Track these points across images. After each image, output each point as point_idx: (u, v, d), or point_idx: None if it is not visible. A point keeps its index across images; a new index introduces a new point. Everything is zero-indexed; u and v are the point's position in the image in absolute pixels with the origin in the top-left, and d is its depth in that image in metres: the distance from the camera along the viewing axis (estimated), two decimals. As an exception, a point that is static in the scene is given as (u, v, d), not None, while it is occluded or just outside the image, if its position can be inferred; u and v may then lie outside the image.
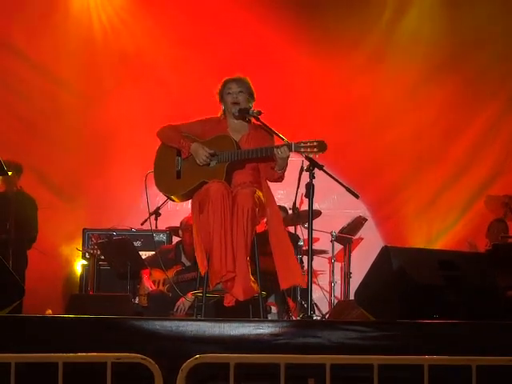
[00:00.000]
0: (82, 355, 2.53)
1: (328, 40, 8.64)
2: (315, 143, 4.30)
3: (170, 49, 8.78)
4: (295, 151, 4.39)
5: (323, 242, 7.89)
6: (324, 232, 7.57)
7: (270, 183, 4.78)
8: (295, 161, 5.55)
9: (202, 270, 4.59)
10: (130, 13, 8.94)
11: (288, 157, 4.48)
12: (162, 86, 8.71)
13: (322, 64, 8.66)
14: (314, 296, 5.05)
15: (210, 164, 4.64)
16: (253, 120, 4.73)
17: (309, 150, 4.31)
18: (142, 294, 6.73)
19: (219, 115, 4.82)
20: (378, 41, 8.94)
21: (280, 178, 4.70)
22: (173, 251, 6.93)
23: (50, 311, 7.13)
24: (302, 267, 7.18)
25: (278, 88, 8.33)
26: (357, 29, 8.76)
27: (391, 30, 8.98)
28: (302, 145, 4.33)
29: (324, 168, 4.38)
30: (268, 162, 4.63)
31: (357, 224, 8.09)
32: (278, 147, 4.43)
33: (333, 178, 4.51)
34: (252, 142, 4.69)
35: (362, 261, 6.49)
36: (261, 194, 4.66)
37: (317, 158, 4.36)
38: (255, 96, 4.77)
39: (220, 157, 4.61)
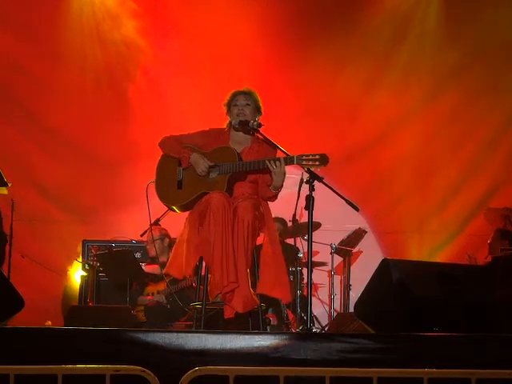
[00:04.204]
0: (81, 367, 2.53)
1: (331, 56, 8.64)
2: (317, 156, 4.32)
3: (173, 66, 8.80)
4: (297, 164, 4.39)
5: (323, 255, 7.88)
6: (324, 244, 7.57)
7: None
8: (295, 173, 5.55)
9: (172, 271, 4.73)
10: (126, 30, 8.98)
11: (284, 173, 4.47)
12: (162, 101, 8.71)
13: (325, 80, 8.66)
14: (313, 308, 5.04)
15: (210, 175, 4.65)
16: (257, 134, 4.73)
17: (311, 162, 4.32)
18: (139, 310, 6.70)
19: (225, 126, 4.83)
20: (379, 56, 8.97)
21: (273, 197, 4.68)
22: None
23: (49, 323, 7.12)
24: (302, 279, 7.18)
25: (280, 103, 8.31)
26: (359, 45, 8.80)
27: (393, 45, 9.01)
28: (305, 157, 4.34)
29: (324, 180, 4.38)
30: (267, 178, 4.62)
31: (356, 236, 8.08)
32: (274, 159, 4.42)
33: (333, 190, 4.49)
34: (253, 155, 4.68)
35: (362, 273, 6.46)
36: (261, 206, 4.66)
37: (318, 171, 4.36)
38: (262, 110, 4.79)
39: (222, 168, 4.61)
